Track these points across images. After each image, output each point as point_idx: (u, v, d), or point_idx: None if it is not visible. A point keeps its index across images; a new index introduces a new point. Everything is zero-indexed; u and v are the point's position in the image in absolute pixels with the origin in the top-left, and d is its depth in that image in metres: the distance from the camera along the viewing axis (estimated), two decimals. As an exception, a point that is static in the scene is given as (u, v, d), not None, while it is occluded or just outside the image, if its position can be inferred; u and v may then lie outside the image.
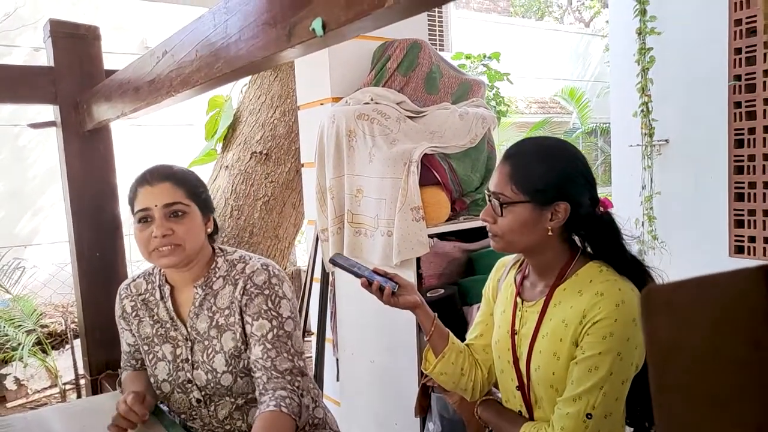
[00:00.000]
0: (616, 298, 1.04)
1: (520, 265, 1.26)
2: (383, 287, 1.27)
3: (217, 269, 1.35)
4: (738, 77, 3.24)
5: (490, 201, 1.14)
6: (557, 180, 1.09)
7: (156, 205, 1.27)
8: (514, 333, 1.18)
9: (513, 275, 1.26)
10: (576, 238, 1.16)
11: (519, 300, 1.20)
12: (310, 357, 2.56)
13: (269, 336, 1.27)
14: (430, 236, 1.90)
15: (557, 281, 1.13)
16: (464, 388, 1.31)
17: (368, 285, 1.29)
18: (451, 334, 1.32)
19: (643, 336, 0.27)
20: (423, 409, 1.86)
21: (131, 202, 1.32)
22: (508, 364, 1.20)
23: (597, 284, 1.08)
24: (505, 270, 1.31)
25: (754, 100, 3.17)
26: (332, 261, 1.38)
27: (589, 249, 1.16)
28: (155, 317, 1.39)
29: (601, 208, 1.13)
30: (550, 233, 1.10)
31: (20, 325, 4.32)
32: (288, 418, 1.17)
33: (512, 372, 1.18)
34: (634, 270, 1.11)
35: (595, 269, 1.11)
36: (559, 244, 1.14)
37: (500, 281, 1.30)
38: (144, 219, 1.28)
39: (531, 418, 1.17)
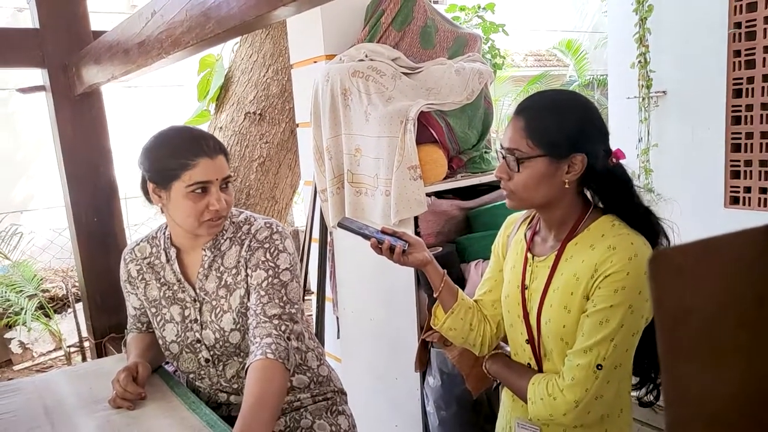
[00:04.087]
0: (629, 251, 1.04)
1: (530, 221, 1.27)
2: (394, 247, 1.27)
3: (224, 231, 1.38)
4: (738, 24, 3.17)
5: (504, 158, 1.13)
6: (573, 132, 1.08)
7: (217, 179, 1.28)
8: (524, 288, 1.19)
9: (523, 231, 1.26)
10: (588, 193, 1.16)
11: (530, 255, 1.20)
12: (311, 315, 2.60)
13: (264, 284, 1.30)
14: (428, 195, 1.90)
15: (569, 236, 1.13)
16: (473, 344, 1.32)
17: (378, 245, 1.29)
18: (460, 290, 1.33)
19: (652, 301, 0.27)
20: (423, 363, 1.90)
21: (180, 169, 1.26)
22: (518, 318, 1.21)
23: (609, 238, 1.08)
24: (515, 226, 1.31)
25: (754, 48, 3.12)
26: (340, 225, 1.38)
27: (600, 204, 1.15)
28: (162, 280, 1.41)
29: (614, 159, 1.12)
30: (566, 186, 1.10)
31: (21, 290, 4.36)
32: (276, 363, 1.19)
33: (522, 326, 1.20)
34: (647, 223, 1.11)
35: (607, 223, 1.11)
36: (574, 197, 1.14)
37: (510, 237, 1.30)
38: (200, 190, 1.28)
39: (540, 371, 1.19)
